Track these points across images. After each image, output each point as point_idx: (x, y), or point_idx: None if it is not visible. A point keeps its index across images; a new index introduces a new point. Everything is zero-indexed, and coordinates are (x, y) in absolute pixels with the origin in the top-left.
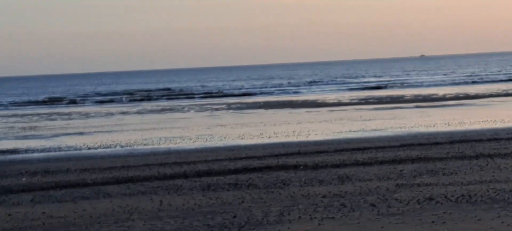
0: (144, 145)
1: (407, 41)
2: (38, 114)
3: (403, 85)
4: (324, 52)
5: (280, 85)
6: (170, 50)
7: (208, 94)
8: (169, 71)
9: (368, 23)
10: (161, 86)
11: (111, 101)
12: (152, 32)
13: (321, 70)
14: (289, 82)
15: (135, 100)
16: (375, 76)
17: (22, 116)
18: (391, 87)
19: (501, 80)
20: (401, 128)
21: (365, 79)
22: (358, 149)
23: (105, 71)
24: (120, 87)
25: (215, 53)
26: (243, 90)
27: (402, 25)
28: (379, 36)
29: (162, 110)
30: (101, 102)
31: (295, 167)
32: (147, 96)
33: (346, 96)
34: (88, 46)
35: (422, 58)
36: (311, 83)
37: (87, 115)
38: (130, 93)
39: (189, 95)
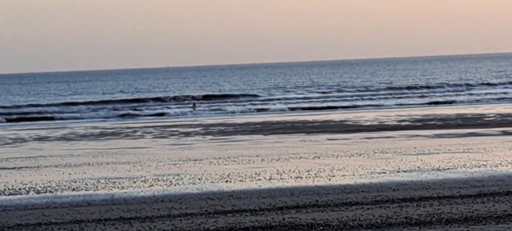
0: (73, 189)
1: None
2: None
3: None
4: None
5: (287, 99)
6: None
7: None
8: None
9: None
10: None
11: (22, 119)
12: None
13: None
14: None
15: (60, 119)
16: (437, 87)
17: None
18: (461, 102)
19: None
20: (479, 166)
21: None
22: (411, 200)
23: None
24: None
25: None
26: (230, 108)
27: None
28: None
29: (101, 135)
30: (11, 120)
31: (311, 227)
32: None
33: (391, 115)
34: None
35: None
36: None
37: None
38: (49, 106)
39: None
